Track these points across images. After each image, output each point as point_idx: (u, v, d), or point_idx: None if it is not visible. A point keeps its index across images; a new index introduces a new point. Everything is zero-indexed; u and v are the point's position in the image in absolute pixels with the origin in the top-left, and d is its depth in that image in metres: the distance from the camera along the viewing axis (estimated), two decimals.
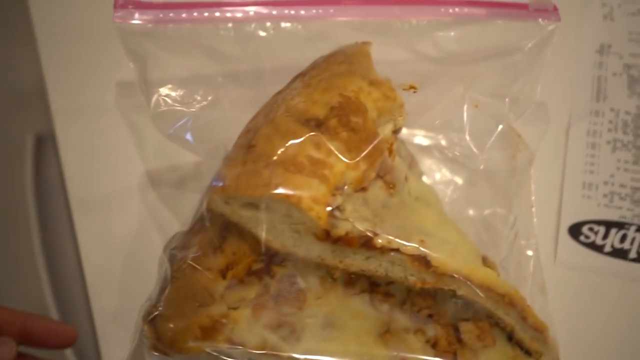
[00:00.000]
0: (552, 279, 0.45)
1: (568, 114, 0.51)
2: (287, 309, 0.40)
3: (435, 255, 0.38)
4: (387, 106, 0.42)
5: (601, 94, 0.51)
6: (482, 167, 0.46)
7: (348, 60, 0.43)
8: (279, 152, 0.37)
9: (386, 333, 0.40)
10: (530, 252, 0.44)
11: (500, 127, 0.46)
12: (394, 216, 0.40)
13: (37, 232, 0.58)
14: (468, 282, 0.38)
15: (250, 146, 0.38)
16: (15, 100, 0.69)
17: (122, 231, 0.48)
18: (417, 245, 0.38)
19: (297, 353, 0.39)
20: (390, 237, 0.38)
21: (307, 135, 0.38)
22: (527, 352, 0.40)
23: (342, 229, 0.37)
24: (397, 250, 0.38)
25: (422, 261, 0.38)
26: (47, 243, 0.58)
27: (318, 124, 0.39)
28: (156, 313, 0.39)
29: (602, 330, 0.44)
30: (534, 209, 0.46)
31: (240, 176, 0.37)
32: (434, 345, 0.40)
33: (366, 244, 0.37)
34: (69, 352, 0.52)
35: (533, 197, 0.47)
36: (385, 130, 0.42)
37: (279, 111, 0.39)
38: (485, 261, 0.42)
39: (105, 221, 0.47)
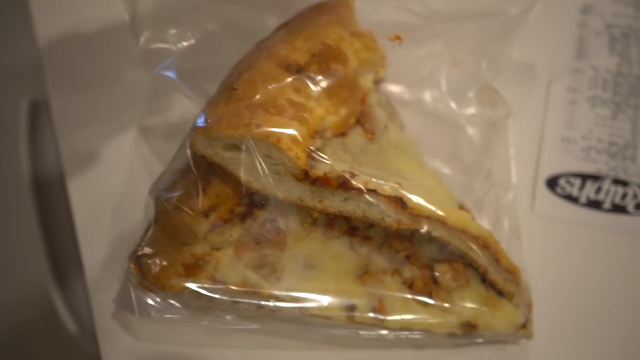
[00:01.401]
0: (529, 229, 0.46)
1: (550, 71, 0.51)
2: (268, 250, 0.41)
3: (412, 196, 0.39)
4: (368, 57, 0.43)
5: (582, 53, 0.52)
6: (460, 121, 0.47)
7: (331, 12, 0.44)
8: (260, 94, 0.38)
9: (364, 274, 0.41)
10: (506, 202, 0.46)
11: (478, 83, 0.47)
12: (372, 160, 0.41)
13: (30, 188, 0.59)
14: (443, 224, 0.39)
15: (232, 89, 0.39)
16: (10, 68, 0.70)
17: (113, 183, 0.49)
18: (395, 186, 0.39)
19: (278, 290, 0.40)
20: (368, 178, 0.39)
21: (288, 79, 0.39)
22: (500, 293, 0.42)
23: (320, 169, 0.38)
24: (374, 191, 0.39)
25: (399, 202, 0.39)
26: (41, 200, 0.59)
27: (299, 69, 0.40)
28: (141, 252, 0.40)
29: (576, 278, 0.46)
30: (512, 161, 0.47)
31: (222, 117, 0.38)
32: (410, 286, 0.41)
33: (344, 184, 0.39)
34: (59, 302, 0.53)
35: (512, 150, 0.48)
36: (366, 80, 0.43)
37: (261, 57, 0.41)
38: (462, 208, 0.44)
39: (96, 174, 0.48)
